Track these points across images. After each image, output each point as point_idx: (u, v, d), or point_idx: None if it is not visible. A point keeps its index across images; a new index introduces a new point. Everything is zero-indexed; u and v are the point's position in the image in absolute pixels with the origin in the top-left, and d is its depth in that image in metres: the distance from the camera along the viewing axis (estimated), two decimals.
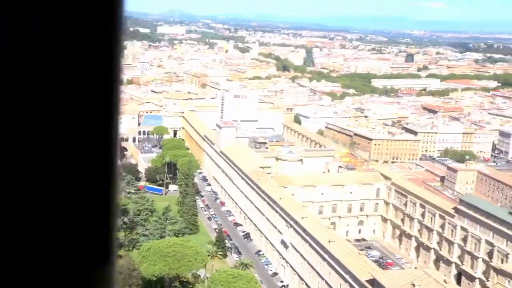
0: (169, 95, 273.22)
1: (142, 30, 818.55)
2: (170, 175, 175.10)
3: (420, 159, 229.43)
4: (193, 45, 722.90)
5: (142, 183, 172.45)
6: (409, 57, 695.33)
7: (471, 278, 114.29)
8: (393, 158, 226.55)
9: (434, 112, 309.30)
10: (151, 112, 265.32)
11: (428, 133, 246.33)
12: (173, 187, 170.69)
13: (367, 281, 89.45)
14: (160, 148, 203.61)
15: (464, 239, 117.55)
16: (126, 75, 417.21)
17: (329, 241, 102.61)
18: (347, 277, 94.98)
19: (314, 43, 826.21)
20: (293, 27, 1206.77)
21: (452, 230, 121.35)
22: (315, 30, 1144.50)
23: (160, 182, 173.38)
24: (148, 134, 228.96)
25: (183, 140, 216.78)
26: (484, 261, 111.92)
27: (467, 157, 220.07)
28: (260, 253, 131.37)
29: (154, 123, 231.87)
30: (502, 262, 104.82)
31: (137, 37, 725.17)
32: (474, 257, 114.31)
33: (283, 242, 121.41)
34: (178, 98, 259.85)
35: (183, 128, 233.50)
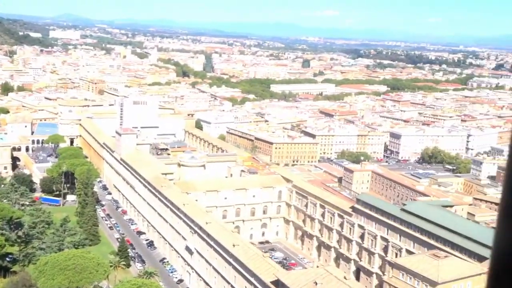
0: (64, 102, 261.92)
1: (33, 34, 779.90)
2: (68, 185, 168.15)
3: (319, 161, 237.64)
4: (89, 50, 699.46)
5: (38, 194, 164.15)
6: (306, 63, 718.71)
7: (369, 273, 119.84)
8: (293, 161, 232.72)
9: (331, 115, 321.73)
10: (45, 120, 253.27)
11: (326, 136, 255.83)
12: (71, 197, 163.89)
13: (271, 282, 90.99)
14: (56, 157, 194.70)
15: (362, 237, 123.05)
16: (16, 81, 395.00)
17: (234, 245, 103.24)
18: (252, 279, 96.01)
19: (213, 49, 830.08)
20: (192, 33, 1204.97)
21: (350, 229, 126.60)
22: (214, 36, 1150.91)
23: (57, 192, 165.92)
24: (42, 143, 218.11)
25: (80, 148, 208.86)
26: (380, 256, 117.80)
27: (362, 158, 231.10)
28: (165, 260, 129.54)
29: (49, 132, 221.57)
30: (396, 256, 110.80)
31: (27, 42, 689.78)
32: (371, 253, 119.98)
33: (187, 249, 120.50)
34: (74, 105, 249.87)
35: (80, 136, 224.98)
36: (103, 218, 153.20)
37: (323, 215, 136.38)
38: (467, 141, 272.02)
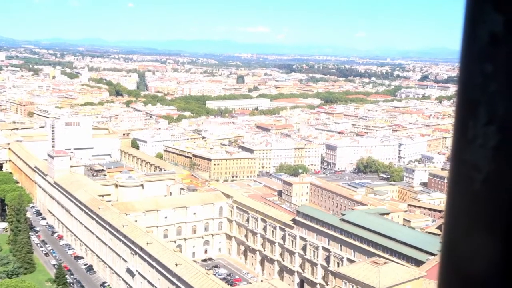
0: None
1: None
2: None
3: (258, 175, 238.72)
4: (15, 71, 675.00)
5: None
6: (240, 79, 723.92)
7: (313, 284, 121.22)
8: (232, 177, 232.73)
9: (267, 130, 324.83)
10: None
11: (263, 150, 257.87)
12: (2, 225, 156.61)
13: None
14: None
15: (304, 248, 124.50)
16: None
17: (176, 264, 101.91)
18: None
19: (146, 67, 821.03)
20: (124, 51, 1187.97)
21: (292, 241, 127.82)
22: (146, 54, 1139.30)
23: None
24: None
25: (10, 173, 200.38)
26: (322, 266, 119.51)
27: (300, 170, 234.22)
28: (106, 284, 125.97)
29: None
30: (338, 266, 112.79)
31: None
32: (313, 264, 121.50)
33: (129, 271, 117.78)
34: (1, 128, 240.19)
35: (9, 160, 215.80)
36: (38, 245, 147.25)
37: (264, 229, 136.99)
38: (399, 150, 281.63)
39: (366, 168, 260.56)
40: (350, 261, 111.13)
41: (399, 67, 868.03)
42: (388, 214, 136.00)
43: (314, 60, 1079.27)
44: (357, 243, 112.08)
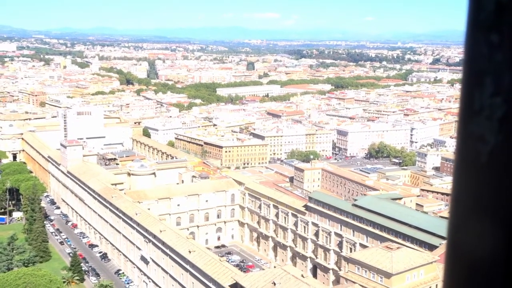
0: (4, 116, 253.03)
1: None
2: (13, 202, 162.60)
3: (269, 162, 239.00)
4: (27, 62, 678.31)
5: None
6: (250, 65, 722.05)
7: (325, 270, 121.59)
8: (244, 164, 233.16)
9: (278, 116, 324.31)
10: None
11: (275, 136, 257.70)
12: (17, 214, 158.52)
13: (230, 286, 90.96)
14: None
15: (316, 234, 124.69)
16: None
17: (190, 252, 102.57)
18: (210, 284, 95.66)
19: (156, 55, 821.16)
20: (133, 40, 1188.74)
21: (304, 227, 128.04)
22: (156, 42, 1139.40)
23: (2, 210, 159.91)
24: None
25: (24, 163, 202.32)
26: (335, 252, 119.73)
27: (311, 156, 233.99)
28: (120, 272, 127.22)
29: None
30: (350, 251, 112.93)
31: None
32: (326, 250, 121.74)
33: (143, 258, 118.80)
34: (14, 119, 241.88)
35: (23, 150, 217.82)
36: (53, 234, 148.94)
37: (277, 215, 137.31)
38: (411, 135, 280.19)
39: (377, 153, 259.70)
40: (363, 246, 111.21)
41: (410, 51, 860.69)
42: (400, 199, 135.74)
43: (324, 46, 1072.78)
44: (370, 229, 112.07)
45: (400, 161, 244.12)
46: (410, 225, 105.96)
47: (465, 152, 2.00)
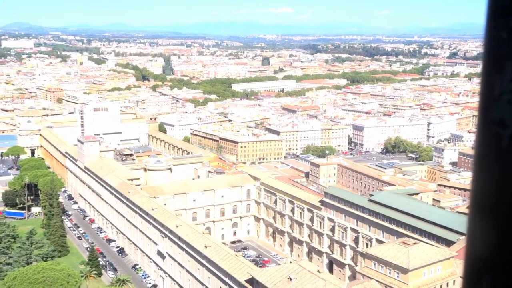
0: (22, 113, 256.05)
1: None
2: (32, 197, 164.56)
3: (285, 157, 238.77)
4: (44, 58, 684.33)
5: (0, 208, 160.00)
6: (265, 61, 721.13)
7: (342, 265, 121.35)
8: (259, 159, 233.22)
9: (294, 111, 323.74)
10: (3, 132, 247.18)
11: (290, 132, 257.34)
12: (36, 209, 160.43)
13: (246, 281, 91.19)
14: (17, 169, 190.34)
15: (332, 229, 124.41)
16: None
17: (206, 247, 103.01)
18: (226, 279, 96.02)
19: (171, 51, 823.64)
20: (149, 36, 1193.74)
21: (320, 222, 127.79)
22: (172, 38, 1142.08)
23: (21, 205, 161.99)
24: (2, 155, 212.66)
25: (42, 159, 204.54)
26: (351, 247, 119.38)
27: (327, 151, 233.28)
28: (137, 267, 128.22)
29: (8, 144, 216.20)
30: (367, 247, 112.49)
31: None
32: (342, 245, 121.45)
33: (159, 253, 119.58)
34: (32, 115, 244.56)
35: (41, 146, 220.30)
36: (71, 228, 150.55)
37: (292, 210, 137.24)
38: (428, 129, 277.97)
39: (394, 148, 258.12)
40: (379, 242, 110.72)
41: (427, 45, 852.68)
42: (417, 194, 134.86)
43: (340, 40, 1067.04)
44: (386, 224, 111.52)
45: (417, 156, 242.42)
46: (427, 221, 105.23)
47: (485, 138, 2.02)
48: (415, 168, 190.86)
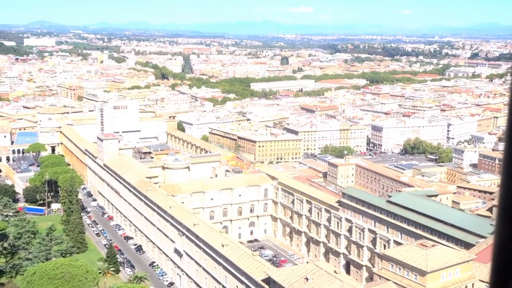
0: (43, 110, 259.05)
1: (7, 43, 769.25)
2: (52, 194, 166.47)
3: (303, 157, 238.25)
4: (65, 56, 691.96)
5: (21, 204, 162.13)
6: (284, 60, 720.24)
7: (359, 266, 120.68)
8: (277, 158, 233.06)
9: (312, 111, 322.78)
10: (24, 129, 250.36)
11: (308, 132, 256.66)
12: (55, 206, 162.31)
13: (262, 280, 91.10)
14: (38, 166, 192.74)
15: (349, 230, 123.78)
16: None
17: (223, 245, 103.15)
18: (243, 278, 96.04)
19: (191, 50, 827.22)
20: (169, 35, 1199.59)
21: (337, 223, 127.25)
22: (191, 37, 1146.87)
23: (41, 201, 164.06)
24: (23, 152, 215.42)
25: (62, 156, 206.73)
26: (368, 248, 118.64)
27: (345, 152, 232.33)
28: (154, 264, 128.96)
29: (29, 140, 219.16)
30: (384, 248, 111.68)
31: (2, 51, 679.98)
32: (359, 246, 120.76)
33: (176, 251, 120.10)
34: (53, 112, 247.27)
35: (61, 143, 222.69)
36: (90, 225, 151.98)
37: (310, 210, 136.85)
38: (448, 131, 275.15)
39: (413, 149, 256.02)
40: (397, 243, 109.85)
41: (448, 45, 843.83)
42: (436, 196, 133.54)
43: (359, 40, 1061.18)
44: (404, 225, 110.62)
45: (436, 157, 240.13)
46: (446, 223, 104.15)
47: None
48: (435, 170, 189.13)
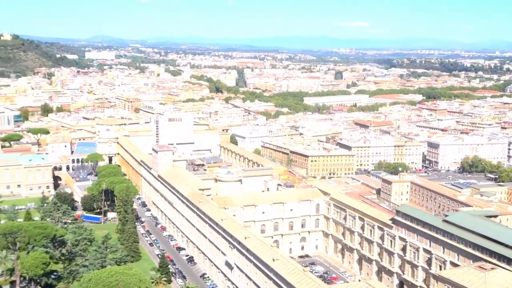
0: (101, 121, 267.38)
1: (69, 56, 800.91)
2: (108, 203, 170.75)
3: (356, 173, 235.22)
4: (124, 69, 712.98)
5: (79, 212, 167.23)
6: (338, 75, 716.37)
7: (413, 287, 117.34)
8: (329, 174, 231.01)
9: (366, 126, 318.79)
10: (84, 139, 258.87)
11: (362, 147, 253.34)
12: (111, 215, 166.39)
13: None
14: (95, 175, 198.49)
15: (403, 249, 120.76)
16: (55, 102, 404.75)
17: (273, 260, 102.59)
18: None
19: (245, 64, 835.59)
20: (223, 49, 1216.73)
21: (391, 241, 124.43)
22: (245, 51, 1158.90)
23: (98, 210, 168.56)
24: (82, 161, 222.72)
25: (119, 166, 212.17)
26: (423, 269, 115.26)
27: (400, 168, 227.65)
28: (205, 276, 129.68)
29: (88, 150, 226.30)
30: (440, 269, 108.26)
31: (64, 64, 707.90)
32: (414, 266, 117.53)
33: (227, 264, 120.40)
34: (111, 123, 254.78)
35: (118, 154, 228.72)
36: (143, 235, 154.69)
37: (362, 227, 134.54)
38: (509, 149, 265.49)
39: (471, 167, 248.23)
40: (454, 264, 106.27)
41: (510, 60, 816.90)
42: (496, 216, 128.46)
43: (416, 55, 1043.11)
44: (462, 246, 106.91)
45: (496, 176, 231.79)
46: (506, 245, 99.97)
47: None
48: (494, 189, 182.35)
